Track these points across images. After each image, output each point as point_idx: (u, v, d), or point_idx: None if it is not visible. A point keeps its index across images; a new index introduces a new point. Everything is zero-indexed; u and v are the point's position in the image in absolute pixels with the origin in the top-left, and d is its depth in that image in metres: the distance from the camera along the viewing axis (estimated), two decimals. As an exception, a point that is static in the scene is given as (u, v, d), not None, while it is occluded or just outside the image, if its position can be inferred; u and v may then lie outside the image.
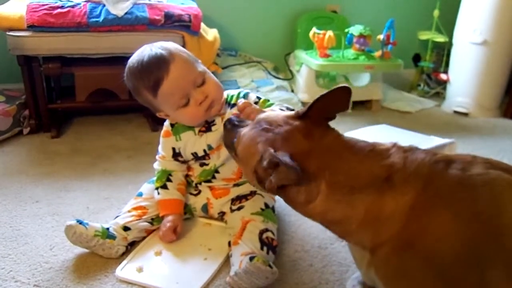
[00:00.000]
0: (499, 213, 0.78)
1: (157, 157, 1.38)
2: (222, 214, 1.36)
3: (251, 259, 1.05)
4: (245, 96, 1.32)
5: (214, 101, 1.25)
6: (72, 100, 2.09)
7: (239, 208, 1.30)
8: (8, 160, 1.80)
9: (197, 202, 1.37)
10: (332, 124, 0.96)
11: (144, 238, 1.29)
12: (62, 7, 1.90)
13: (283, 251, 1.28)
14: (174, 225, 1.27)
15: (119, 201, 1.49)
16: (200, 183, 1.37)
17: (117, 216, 1.30)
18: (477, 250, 0.77)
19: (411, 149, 0.89)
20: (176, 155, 1.34)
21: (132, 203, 1.34)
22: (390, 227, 0.82)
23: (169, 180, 1.34)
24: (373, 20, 2.62)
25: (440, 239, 0.79)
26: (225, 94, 1.33)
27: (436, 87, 2.85)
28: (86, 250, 1.23)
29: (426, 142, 1.72)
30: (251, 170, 0.93)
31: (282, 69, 2.76)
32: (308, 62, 2.40)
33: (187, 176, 1.38)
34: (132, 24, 1.93)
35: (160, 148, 1.36)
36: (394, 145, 0.90)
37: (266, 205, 1.29)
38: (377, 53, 2.42)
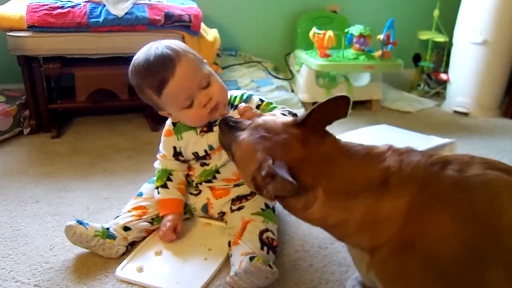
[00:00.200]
0: (497, 214, 0.78)
1: (158, 156, 1.37)
2: (222, 214, 1.36)
3: (251, 259, 1.05)
4: (248, 98, 1.32)
5: (218, 104, 1.24)
6: (72, 100, 2.09)
7: (239, 208, 1.30)
8: (8, 160, 1.80)
9: (197, 202, 1.37)
10: (332, 124, 0.96)
11: (144, 238, 1.29)
12: (62, 7, 1.90)
13: (283, 251, 1.28)
14: (174, 224, 1.27)
15: (119, 201, 1.49)
16: (200, 183, 1.37)
17: (117, 216, 1.30)
18: (476, 250, 0.77)
19: (407, 151, 0.89)
20: (177, 154, 1.34)
21: (132, 203, 1.34)
22: (388, 229, 0.83)
23: (169, 179, 1.34)
24: (373, 20, 2.62)
25: (439, 239, 0.79)
26: (229, 94, 1.32)
27: (436, 87, 2.84)
28: (86, 250, 1.23)
29: (426, 142, 1.73)
30: (249, 177, 0.94)
31: (282, 69, 2.76)
32: (308, 62, 2.40)
33: (187, 176, 1.38)
34: (132, 24, 1.93)
35: (161, 146, 1.36)
36: (390, 148, 0.91)
37: (267, 205, 1.29)
38: (377, 53, 2.42)
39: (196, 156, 1.32)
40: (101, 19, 1.89)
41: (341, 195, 0.86)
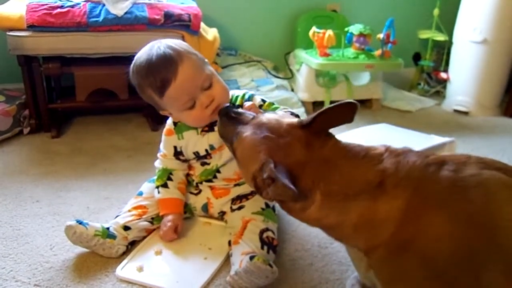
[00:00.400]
0: (493, 214, 0.78)
1: (158, 155, 1.37)
2: (222, 213, 1.36)
3: (252, 258, 1.05)
4: (250, 98, 1.31)
5: (220, 105, 1.22)
6: (72, 100, 2.09)
7: (239, 208, 1.30)
8: (8, 160, 1.80)
9: (197, 202, 1.37)
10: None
11: (144, 237, 1.29)
12: (61, 7, 1.90)
13: (283, 250, 1.28)
14: (174, 224, 1.27)
15: (119, 201, 1.49)
16: (201, 183, 1.37)
17: (117, 216, 1.30)
18: (472, 250, 0.77)
19: (404, 152, 0.89)
20: (177, 153, 1.33)
21: (132, 203, 1.34)
22: (384, 231, 0.83)
23: (169, 179, 1.34)
24: (373, 19, 2.61)
25: (435, 240, 0.79)
26: (230, 94, 1.31)
27: (436, 86, 2.84)
28: (87, 250, 1.23)
29: (426, 141, 1.72)
30: (250, 176, 0.94)
31: (282, 68, 2.76)
32: (308, 61, 2.40)
33: (188, 175, 1.38)
34: (131, 23, 1.93)
35: (161, 146, 1.36)
36: (387, 149, 0.91)
37: (267, 205, 1.29)
38: (377, 52, 2.42)
39: (197, 155, 1.32)
40: (100, 19, 1.89)
41: (339, 197, 0.87)
